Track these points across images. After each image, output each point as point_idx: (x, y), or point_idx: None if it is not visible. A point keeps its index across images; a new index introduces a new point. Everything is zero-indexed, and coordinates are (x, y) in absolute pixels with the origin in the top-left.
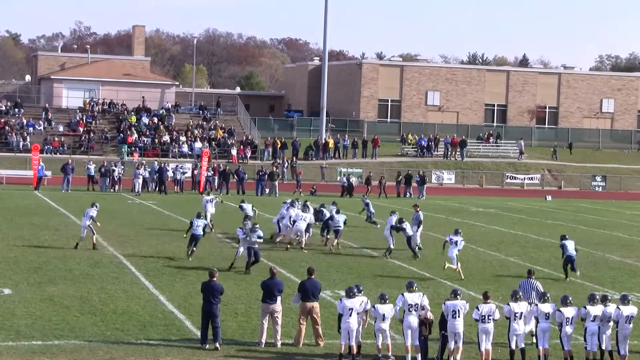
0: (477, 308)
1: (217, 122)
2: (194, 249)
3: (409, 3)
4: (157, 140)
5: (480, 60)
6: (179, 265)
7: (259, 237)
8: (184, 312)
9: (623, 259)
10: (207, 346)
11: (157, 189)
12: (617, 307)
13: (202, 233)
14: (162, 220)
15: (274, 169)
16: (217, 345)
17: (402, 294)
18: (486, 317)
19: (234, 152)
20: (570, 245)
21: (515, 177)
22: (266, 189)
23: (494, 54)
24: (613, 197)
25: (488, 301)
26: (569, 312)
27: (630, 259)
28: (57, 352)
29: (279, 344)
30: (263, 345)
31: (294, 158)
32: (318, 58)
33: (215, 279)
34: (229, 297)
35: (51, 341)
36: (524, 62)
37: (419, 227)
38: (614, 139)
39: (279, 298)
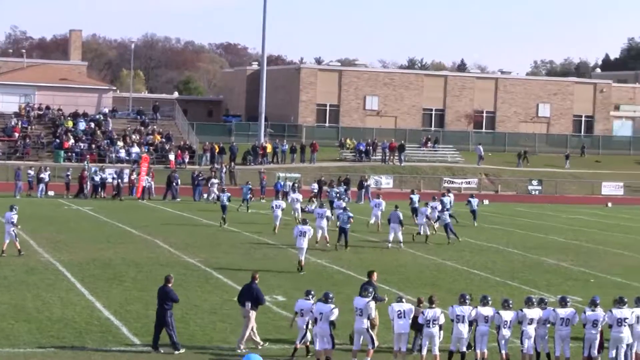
0: (423, 313)
1: (155, 127)
2: (224, 216)
3: (347, 8)
4: (93, 146)
5: (418, 65)
6: (115, 272)
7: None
8: (121, 318)
9: (559, 262)
10: (162, 350)
11: (93, 194)
12: (553, 309)
13: (227, 203)
14: (99, 226)
15: (212, 174)
16: (176, 352)
17: (392, 304)
18: (431, 322)
19: (171, 157)
20: (415, 197)
21: (452, 182)
22: (204, 194)
23: (432, 59)
24: (549, 200)
25: (433, 306)
26: (508, 315)
27: (566, 263)
28: None
29: (240, 347)
30: (260, 345)
31: (232, 163)
32: (256, 63)
33: (170, 284)
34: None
35: None
36: (461, 67)
37: (401, 225)
38: (550, 143)
39: (248, 304)
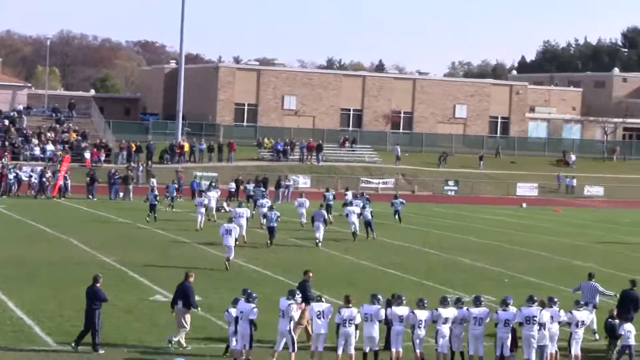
0: (339, 312)
1: (71, 124)
2: (151, 214)
3: (266, 7)
4: (7, 143)
5: (336, 65)
6: (28, 271)
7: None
8: (33, 317)
9: (474, 263)
10: (79, 348)
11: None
12: (467, 309)
13: (156, 202)
14: (13, 225)
15: (129, 172)
16: (94, 352)
17: (311, 304)
18: (347, 322)
19: (87, 155)
20: (330, 195)
21: (370, 182)
22: (120, 193)
23: (350, 59)
24: (465, 201)
25: (349, 305)
26: (422, 314)
27: (481, 263)
28: None
29: (172, 342)
30: (183, 348)
31: (149, 162)
32: (174, 61)
33: (99, 284)
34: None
35: None
36: (379, 67)
37: (325, 224)
38: (466, 144)
39: (180, 302)
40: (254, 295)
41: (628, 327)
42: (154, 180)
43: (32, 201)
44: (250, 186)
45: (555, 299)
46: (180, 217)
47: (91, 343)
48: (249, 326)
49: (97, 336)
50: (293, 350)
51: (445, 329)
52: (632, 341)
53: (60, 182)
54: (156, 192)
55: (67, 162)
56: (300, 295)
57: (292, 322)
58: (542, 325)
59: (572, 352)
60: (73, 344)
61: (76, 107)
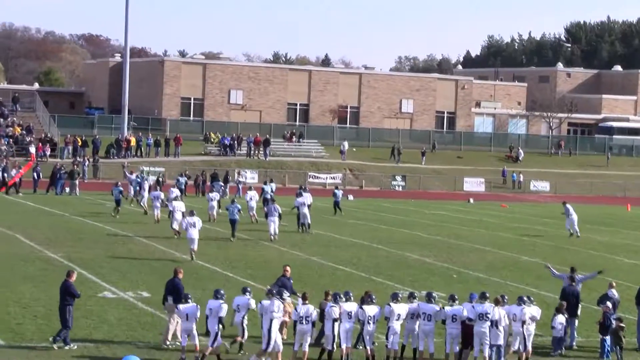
0: (296, 309)
1: (15, 119)
2: (117, 208)
3: (212, 0)
4: None
5: (283, 59)
6: None
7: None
8: None
9: (422, 258)
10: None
11: None
12: (418, 304)
13: (121, 197)
14: None
15: (75, 167)
16: (55, 346)
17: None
18: (304, 319)
19: (32, 149)
20: (268, 188)
21: (317, 177)
22: (66, 188)
23: (296, 53)
24: (413, 196)
25: (306, 302)
26: (372, 310)
27: (429, 258)
28: None
29: (166, 343)
30: (167, 344)
31: (95, 156)
32: (119, 55)
33: (71, 280)
34: (27, 299)
35: None
36: (325, 62)
37: (280, 218)
38: (413, 139)
39: (170, 298)
40: (222, 292)
41: (560, 320)
42: (131, 176)
43: None
44: (183, 180)
45: (525, 298)
46: (125, 210)
47: (54, 336)
48: (217, 323)
49: (65, 331)
50: (265, 349)
51: (397, 325)
52: (561, 333)
53: (17, 180)
54: (121, 187)
55: (29, 166)
56: (287, 293)
57: (274, 321)
58: (494, 323)
59: (524, 347)
60: (62, 343)
61: (20, 101)
